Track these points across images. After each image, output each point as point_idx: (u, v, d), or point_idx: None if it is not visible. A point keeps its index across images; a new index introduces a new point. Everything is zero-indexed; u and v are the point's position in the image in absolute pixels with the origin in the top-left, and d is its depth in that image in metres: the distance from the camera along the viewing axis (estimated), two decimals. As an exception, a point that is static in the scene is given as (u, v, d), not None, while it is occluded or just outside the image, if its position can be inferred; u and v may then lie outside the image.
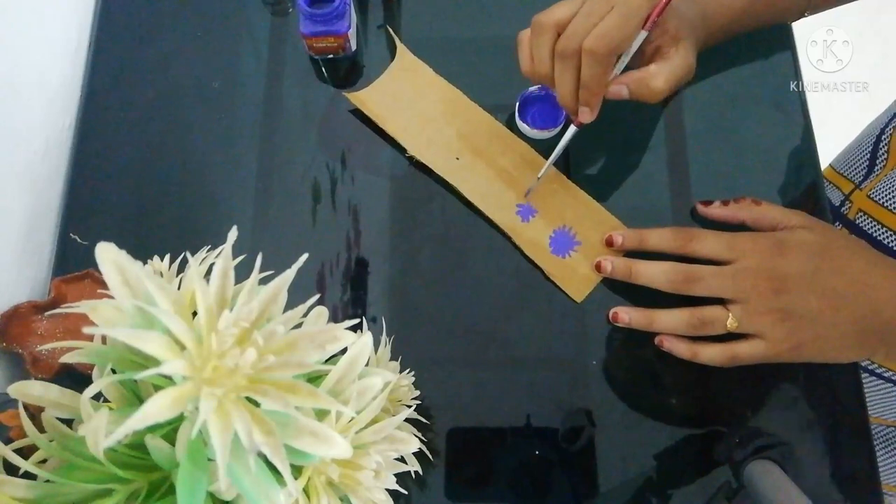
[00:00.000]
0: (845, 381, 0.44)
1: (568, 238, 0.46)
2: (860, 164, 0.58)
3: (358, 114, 0.50)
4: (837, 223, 0.58)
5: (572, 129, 0.42)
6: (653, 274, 0.41)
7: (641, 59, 0.41)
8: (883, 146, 0.55)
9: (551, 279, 0.45)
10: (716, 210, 0.45)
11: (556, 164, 0.47)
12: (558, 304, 0.45)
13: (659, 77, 0.39)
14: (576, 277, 0.45)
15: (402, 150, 0.49)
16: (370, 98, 0.50)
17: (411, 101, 0.50)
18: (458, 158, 0.48)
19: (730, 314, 0.39)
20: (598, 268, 0.44)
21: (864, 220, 0.55)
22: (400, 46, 0.51)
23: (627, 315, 0.43)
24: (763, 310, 0.38)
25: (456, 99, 0.50)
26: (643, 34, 0.38)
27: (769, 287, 0.38)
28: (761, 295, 0.38)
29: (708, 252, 0.41)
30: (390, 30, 0.52)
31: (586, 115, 0.40)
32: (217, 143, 0.50)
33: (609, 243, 0.45)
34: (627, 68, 0.40)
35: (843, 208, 0.58)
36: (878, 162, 0.56)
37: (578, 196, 0.47)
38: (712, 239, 0.41)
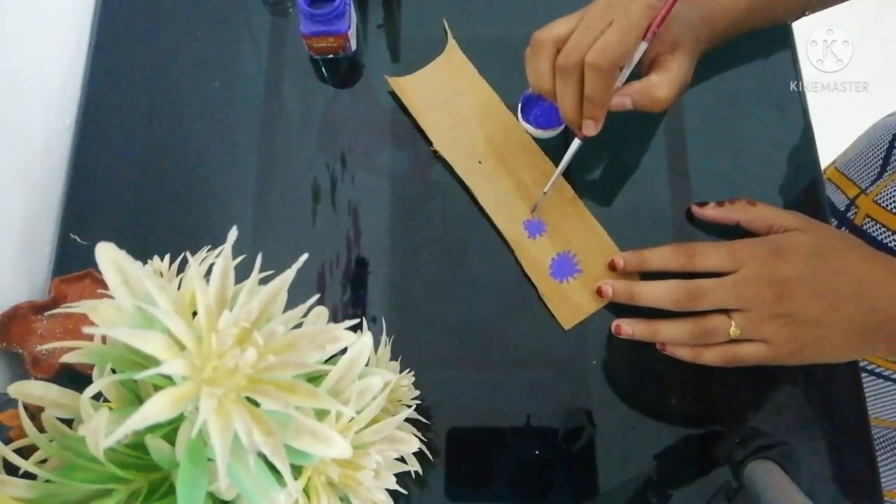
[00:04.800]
0: (845, 381, 0.44)
1: (570, 264, 0.46)
2: (870, 169, 0.57)
3: (358, 113, 0.50)
4: (844, 229, 0.57)
5: (576, 142, 0.42)
6: (656, 295, 0.41)
7: (640, 68, 0.41)
8: None
9: (543, 301, 0.45)
10: (710, 211, 0.45)
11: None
12: (558, 304, 0.45)
13: (661, 87, 0.39)
14: (568, 304, 0.45)
15: (406, 147, 0.49)
16: (410, 86, 0.50)
17: (449, 96, 0.50)
18: (480, 162, 0.48)
19: (732, 323, 0.39)
20: (599, 293, 0.44)
21: (872, 225, 0.54)
22: (451, 42, 0.51)
23: (630, 327, 0.42)
24: (766, 317, 0.38)
25: (494, 104, 0.50)
26: (644, 45, 0.37)
27: (772, 293, 0.38)
28: (764, 302, 0.38)
29: (711, 266, 0.40)
30: (445, 23, 0.52)
31: (591, 129, 0.40)
32: (217, 143, 0.50)
33: (612, 267, 0.45)
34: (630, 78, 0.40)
35: (848, 213, 0.58)
36: (889, 167, 0.55)
37: (589, 224, 0.47)
38: (713, 252, 0.40)
